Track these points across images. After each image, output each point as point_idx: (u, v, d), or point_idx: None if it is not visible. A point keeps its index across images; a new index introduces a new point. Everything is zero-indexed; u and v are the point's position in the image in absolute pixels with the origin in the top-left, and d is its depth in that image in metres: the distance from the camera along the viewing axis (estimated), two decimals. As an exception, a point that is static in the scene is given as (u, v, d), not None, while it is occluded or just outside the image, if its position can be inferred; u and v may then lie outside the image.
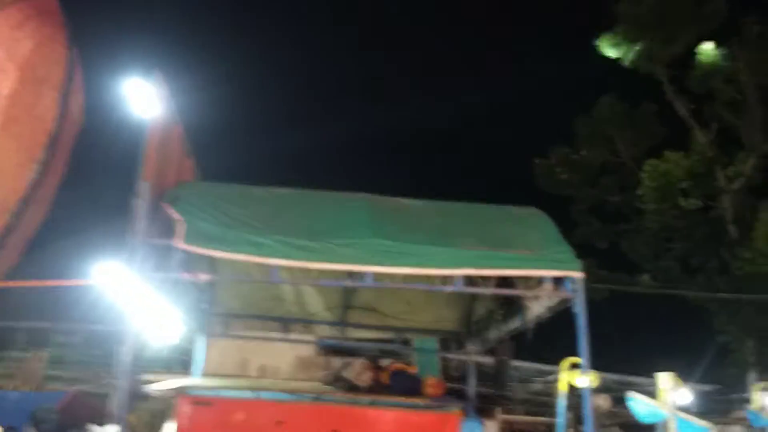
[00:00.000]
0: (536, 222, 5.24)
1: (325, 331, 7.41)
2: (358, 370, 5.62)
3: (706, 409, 12.47)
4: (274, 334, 7.07)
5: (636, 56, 20.04)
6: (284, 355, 6.32)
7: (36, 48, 3.94)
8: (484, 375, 8.63)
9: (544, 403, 15.39)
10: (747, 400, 11.90)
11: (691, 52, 19.78)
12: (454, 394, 6.95)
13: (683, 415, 9.68)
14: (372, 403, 5.54)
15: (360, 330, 7.48)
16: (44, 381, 10.25)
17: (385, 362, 6.39)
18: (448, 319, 7.27)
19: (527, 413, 15.44)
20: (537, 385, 16.21)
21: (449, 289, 4.67)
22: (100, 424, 5.85)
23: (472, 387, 7.17)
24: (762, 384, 12.85)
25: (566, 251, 4.88)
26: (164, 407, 5.92)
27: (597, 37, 20.27)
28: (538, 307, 5.45)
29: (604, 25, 20.26)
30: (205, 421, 5.32)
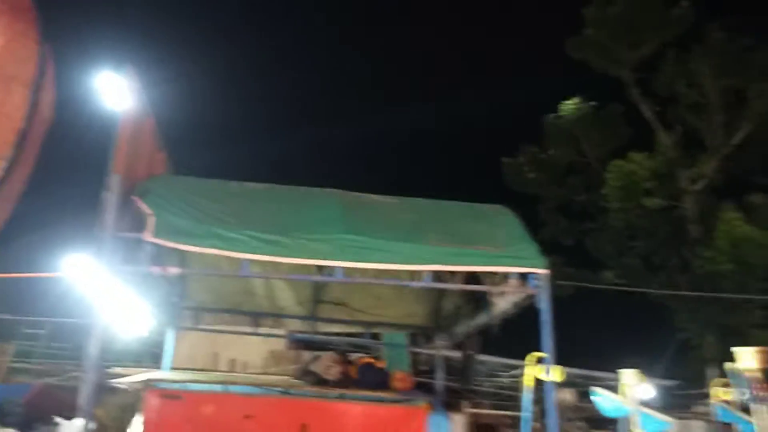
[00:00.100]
0: (503, 220, 5.36)
1: (295, 325, 7.46)
2: (326, 364, 5.68)
3: (667, 404, 12.84)
4: (244, 328, 7.10)
5: (603, 60, 20.43)
6: (255, 349, 6.36)
7: (6, 45, 3.91)
8: (452, 369, 8.77)
9: (510, 397, 15.66)
10: (707, 396, 12.26)
11: (656, 57, 20.25)
12: (422, 388, 7.07)
13: (646, 409, 9.98)
14: (340, 397, 5.60)
15: (330, 324, 7.55)
16: (10, 373, 10.12)
17: (354, 356, 6.47)
18: (417, 314, 7.37)
19: (494, 407, 15.70)
20: (503, 379, 16.47)
21: (418, 284, 4.76)
22: (67, 417, 5.83)
23: (440, 381, 7.29)
24: (721, 380, 13.26)
25: (531, 248, 5.00)
26: (133, 401, 5.91)
27: (566, 39, 20.64)
28: (504, 302, 5.58)
29: (573, 28, 20.63)
30: (173, 414, 5.32)
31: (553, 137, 21.28)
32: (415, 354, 8.33)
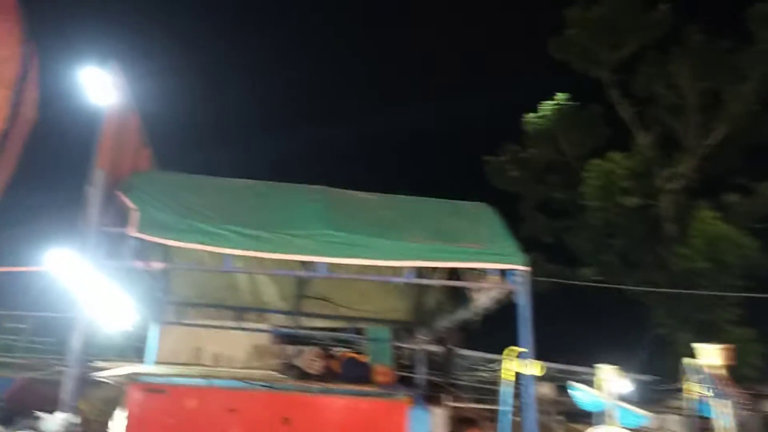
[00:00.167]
0: (484, 217, 5.46)
1: (279, 320, 7.51)
2: (309, 359, 5.75)
3: (643, 399, 13.07)
4: (228, 323, 7.14)
5: (584, 60, 20.69)
6: (238, 344, 6.39)
7: (-12, 45, 3.89)
8: (434, 363, 8.88)
9: (490, 391, 15.83)
10: (682, 390, 12.50)
11: (636, 58, 20.55)
12: (404, 382, 7.16)
13: (623, 404, 10.17)
14: (323, 391, 5.67)
15: (314, 319, 7.62)
16: (-8, 368, 10.05)
17: (337, 351, 6.54)
18: (399, 309, 7.46)
19: (474, 401, 15.86)
20: (484, 374, 16.65)
21: (399, 280, 4.84)
22: (50, 411, 5.82)
23: (421, 375, 7.39)
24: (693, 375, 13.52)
25: (512, 245, 5.10)
26: (117, 395, 5.93)
27: (548, 40, 20.86)
28: (484, 298, 5.68)
29: (555, 28, 20.86)
30: (156, 408, 5.36)
31: (534, 136, 21.51)
32: (397, 348, 8.42)
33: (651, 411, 11.34)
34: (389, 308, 7.42)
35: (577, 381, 11.21)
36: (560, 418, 17.20)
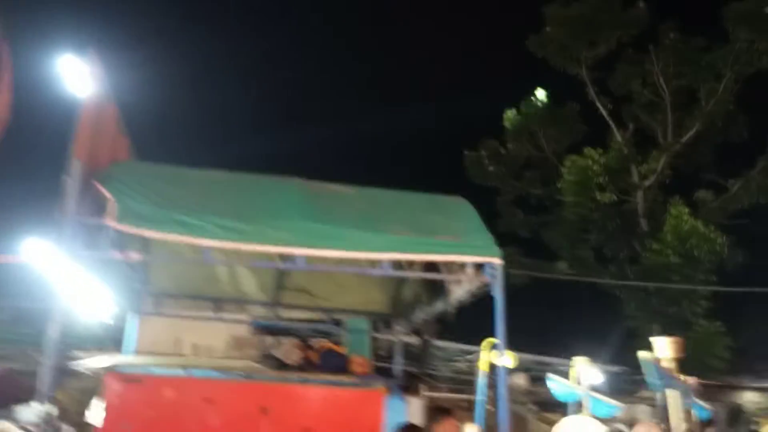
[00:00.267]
0: (460, 210, 5.54)
1: (258, 311, 7.55)
2: (287, 349, 5.80)
3: (615, 389, 13.32)
4: (207, 314, 7.16)
5: (562, 58, 20.90)
6: (218, 335, 6.41)
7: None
8: (411, 354, 8.98)
9: (466, 382, 16.00)
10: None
11: (613, 56, 20.81)
12: (381, 372, 7.25)
13: (596, 394, 10.38)
14: (300, 381, 5.73)
15: (293, 310, 7.67)
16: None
17: (315, 342, 6.60)
18: (377, 301, 7.54)
19: (451, 391, 16.02)
20: (461, 365, 16.83)
21: (377, 272, 4.91)
22: (27, 402, 5.80)
23: (398, 366, 7.49)
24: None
25: (487, 238, 5.19)
26: (95, 385, 5.93)
27: (526, 36, 21.03)
28: (460, 291, 5.78)
29: (533, 25, 21.03)
30: (133, 398, 5.37)
31: (513, 132, 21.70)
32: (375, 340, 8.51)
33: (622, 401, 11.59)
34: (367, 300, 7.50)
35: (551, 372, 11.40)
36: (534, 407, 17.46)
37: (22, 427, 6.27)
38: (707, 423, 10.26)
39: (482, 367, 5.64)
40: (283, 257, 4.93)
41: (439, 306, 6.36)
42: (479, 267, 5.09)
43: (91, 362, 5.90)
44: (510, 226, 21.76)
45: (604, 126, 21.43)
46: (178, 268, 6.85)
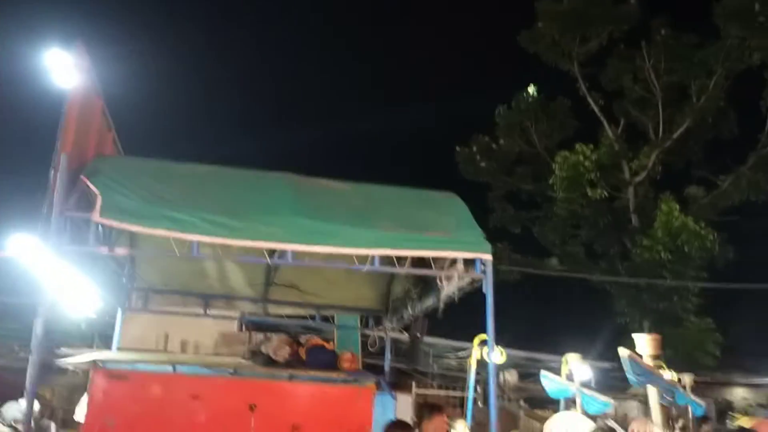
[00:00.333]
0: (451, 206, 5.50)
1: (247, 307, 7.50)
2: (276, 345, 5.75)
3: (605, 386, 13.37)
4: (195, 310, 7.11)
5: (553, 53, 20.92)
6: (206, 331, 6.38)
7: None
8: (401, 351, 8.97)
9: (457, 378, 16.02)
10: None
11: (604, 52, 20.85)
12: (370, 369, 7.22)
13: (588, 391, 10.44)
14: (289, 378, 5.69)
15: (282, 306, 7.62)
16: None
17: (304, 338, 6.55)
18: (367, 297, 7.51)
19: (441, 387, 16.04)
20: (451, 361, 16.85)
21: (366, 268, 4.86)
22: (14, 398, 5.76)
23: (387, 362, 7.47)
24: (654, 363, 13.89)
25: (478, 234, 5.15)
26: (83, 382, 5.88)
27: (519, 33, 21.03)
28: (450, 287, 5.74)
29: (525, 21, 21.04)
30: (119, 394, 5.31)
31: (505, 127, 21.70)
32: (365, 336, 8.48)
33: (614, 398, 11.65)
34: (357, 296, 7.46)
35: (542, 369, 11.44)
36: (524, 404, 17.52)
37: (8, 425, 6.22)
38: (702, 419, 10.33)
39: (472, 363, 5.67)
40: (272, 253, 4.88)
41: (429, 302, 6.33)
42: (470, 263, 5.05)
43: (78, 359, 5.85)
44: (501, 221, 21.81)
45: (596, 122, 21.49)
46: (165, 263, 6.79)
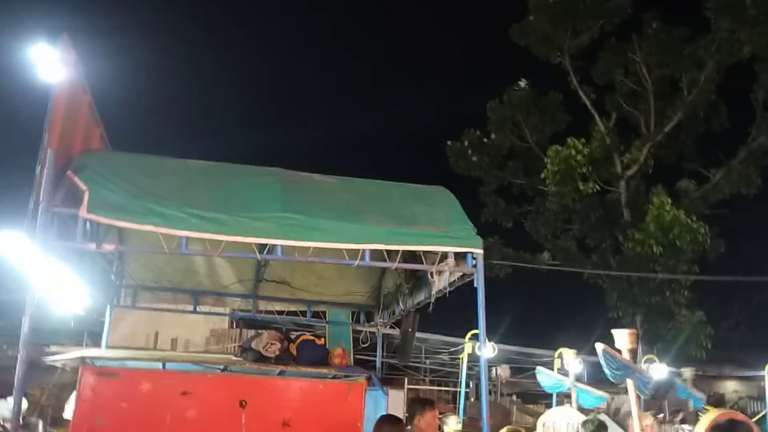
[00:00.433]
0: (442, 200, 5.48)
1: (237, 303, 7.47)
2: (267, 342, 5.72)
3: (597, 380, 13.43)
4: (185, 307, 7.06)
5: (544, 47, 20.92)
6: (196, 328, 6.34)
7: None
8: (392, 347, 8.96)
9: (450, 374, 16.07)
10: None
11: (595, 45, 20.87)
12: (362, 364, 7.22)
13: (582, 386, 10.53)
14: (280, 374, 5.67)
15: (272, 303, 7.60)
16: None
17: (296, 334, 6.53)
18: (358, 292, 7.49)
19: (434, 383, 16.09)
20: (444, 357, 16.89)
21: (356, 263, 4.83)
22: (3, 397, 5.71)
23: (379, 358, 7.46)
24: (646, 356, 13.98)
25: (468, 228, 5.13)
26: (72, 380, 5.82)
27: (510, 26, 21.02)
28: (441, 281, 5.73)
29: (516, 14, 21.04)
30: (108, 392, 5.28)
31: (496, 122, 21.71)
32: (357, 332, 8.47)
33: (607, 392, 11.73)
34: (348, 292, 7.44)
35: (533, 363, 11.51)
36: (516, 399, 17.60)
37: (-4, 423, 6.18)
38: (702, 412, 10.47)
39: (464, 358, 5.66)
40: (262, 248, 4.84)
41: (420, 297, 6.31)
42: (461, 257, 5.03)
43: (67, 356, 5.80)
44: (493, 216, 21.84)
45: (587, 115, 21.53)
46: (154, 260, 6.75)
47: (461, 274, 5.21)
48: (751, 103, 20.24)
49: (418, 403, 5.34)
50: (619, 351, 8.26)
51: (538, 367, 11.51)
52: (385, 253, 4.93)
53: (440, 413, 6.59)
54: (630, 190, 20.74)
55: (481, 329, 4.84)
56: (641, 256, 18.24)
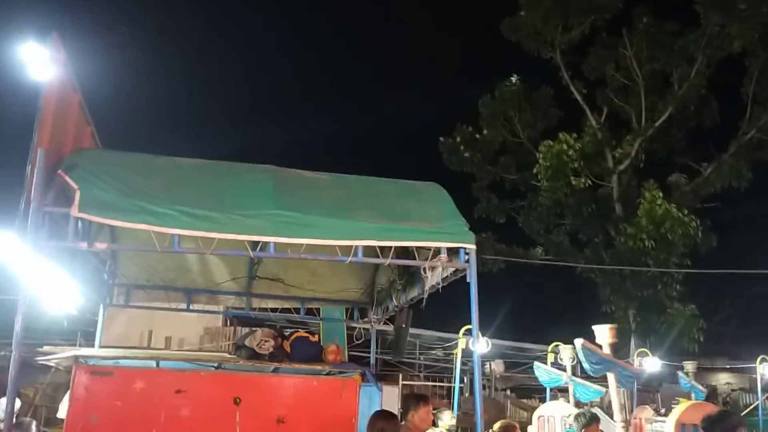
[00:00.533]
0: (434, 196, 5.50)
1: (230, 301, 7.46)
2: (260, 339, 5.72)
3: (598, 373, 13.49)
4: (179, 305, 7.05)
5: (535, 42, 20.96)
6: (190, 326, 6.33)
7: None
8: (386, 343, 8.98)
9: (444, 369, 16.12)
10: (629, 364, 13.01)
11: (586, 40, 20.93)
12: (357, 361, 7.23)
13: (580, 380, 10.60)
14: (274, 371, 5.67)
15: (266, 300, 7.60)
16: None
17: (289, 331, 6.53)
18: (352, 289, 7.50)
19: (428, 378, 16.13)
20: (438, 353, 16.94)
21: (349, 259, 4.84)
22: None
23: (373, 354, 7.48)
24: (639, 350, 14.07)
25: (461, 224, 5.14)
26: (66, 380, 5.81)
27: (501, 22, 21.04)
28: (434, 277, 5.74)
29: (507, 10, 21.06)
30: (102, 391, 5.26)
31: (488, 117, 21.74)
32: (351, 328, 8.48)
33: (603, 386, 11.82)
34: (342, 288, 7.46)
35: (527, 357, 11.58)
36: (510, 394, 17.67)
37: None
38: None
39: (458, 354, 5.68)
40: (254, 246, 4.84)
41: (414, 293, 6.33)
42: (454, 253, 5.04)
43: (60, 355, 5.78)
44: (486, 211, 21.90)
45: (579, 110, 21.60)
46: (147, 258, 6.73)
47: (454, 269, 5.22)
48: (742, 97, 20.37)
49: (412, 399, 5.35)
50: (600, 346, 8.34)
51: (536, 363, 11.59)
52: (377, 250, 4.93)
53: (434, 408, 6.61)
54: (622, 185, 20.83)
55: (474, 324, 4.87)
56: (633, 250, 18.33)
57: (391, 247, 4.94)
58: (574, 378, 10.62)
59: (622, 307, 18.91)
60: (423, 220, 5.08)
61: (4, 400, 4.41)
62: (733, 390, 20.98)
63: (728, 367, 21.08)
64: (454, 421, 8.32)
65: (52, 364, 5.67)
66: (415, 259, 5.24)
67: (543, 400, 13.25)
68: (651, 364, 13.82)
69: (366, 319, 7.77)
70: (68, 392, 5.42)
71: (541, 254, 20.47)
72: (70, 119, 5.21)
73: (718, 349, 21.14)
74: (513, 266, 19.61)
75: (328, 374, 5.71)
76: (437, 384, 15.86)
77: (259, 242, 4.74)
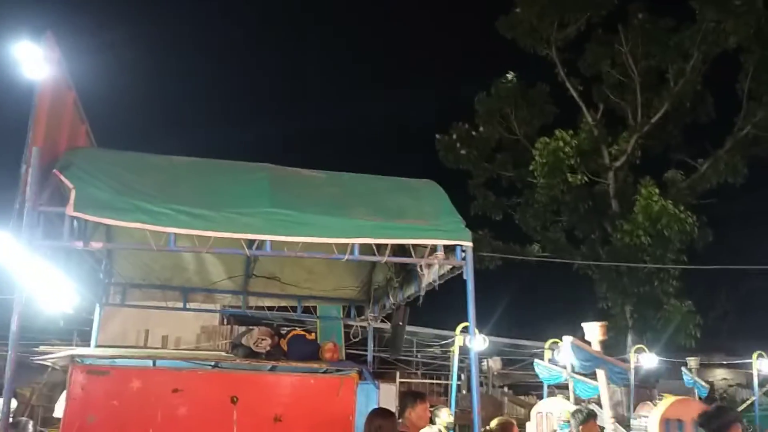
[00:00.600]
0: (430, 193, 5.49)
1: (227, 300, 7.45)
2: (257, 337, 5.71)
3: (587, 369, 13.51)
4: (175, 304, 7.04)
5: (531, 39, 20.96)
6: (187, 325, 6.32)
7: None
8: (383, 340, 8.98)
9: (441, 367, 16.13)
10: (625, 360, 13.06)
11: (582, 37, 20.94)
12: (354, 359, 7.22)
13: (579, 377, 10.63)
14: (271, 369, 5.67)
15: (263, 299, 7.59)
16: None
17: (286, 330, 6.53)
18: (348, 287, 7.50)
19: (426, 376, 16.14)
20: (435, 350, 16.96)
21: (345, 257, 4.84)
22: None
23: (370, 352, 7.47)
24: (636, 346, 14.10)
25: (457, 221, 5.14)
26: (63, 380, 5.80)
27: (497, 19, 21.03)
28: (431, 274, 5.74)
29: (503, 7, 21.06)
30: (99, 390, 5.25)
31: (484, 114, 21.75)
32: (348, 326, 8.48)
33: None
34: (338, 286, 7.45)
35: (525, 354, 11.61)
36: (507, 391, 17.70)
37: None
38: (705, 400, 10.65)
39: (455, 351, 5.67)
40: (250, 244, 4.83)
41: (410, 291, 6.33)
42: (450, 250, 5.04)
43: (56, 355, 5.77)
44: (482, 208, 21.92)
45: (575, 107, 21.63)
46: (143, 257, 6.72)
47: (451, 267, 5.23)
48: (737, 93, 20.41)
49: (409, 397, 5.35)
50: (589, 343, 8.38)
51: (536, 360, 11.64)
52: (374, 247, 4.93)
53: (432, 406, 6.62)
54: (618, 181, 20.86)
55: (471, 322, 4.86)
56: (630, 246, 18.37)
57: (387, 244, 4.94)
58: (574, 375, 10.65)
59: (619, 304, 18.95)
60: (419, 217, 5.07)
61: (0, 400, 4.38)
62: (729, 385, 21.06)
63: (725, 363, 21.16)
64: (451, 419, 8.32)
65: (49, 364, 5.66)
66: (411, 256, 5.23)
67: (540, 397, 13.29)
68: (648, 360, 13.86)
69: (363, 317, 7.77)
70: (65, 392, 5.41)
71: (538, 251, 20.49)
72: (65, 118, 5.19)
73: (715, 344, 21.21)
74: (510, 263, 19.64)
75: (325, 372, 5.71)
76: (434, 381, 15.88)
77: (255, 241, 4.73)
